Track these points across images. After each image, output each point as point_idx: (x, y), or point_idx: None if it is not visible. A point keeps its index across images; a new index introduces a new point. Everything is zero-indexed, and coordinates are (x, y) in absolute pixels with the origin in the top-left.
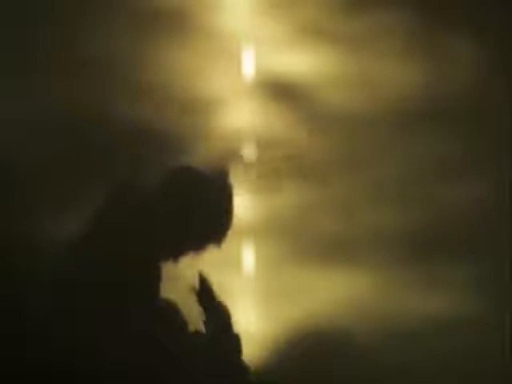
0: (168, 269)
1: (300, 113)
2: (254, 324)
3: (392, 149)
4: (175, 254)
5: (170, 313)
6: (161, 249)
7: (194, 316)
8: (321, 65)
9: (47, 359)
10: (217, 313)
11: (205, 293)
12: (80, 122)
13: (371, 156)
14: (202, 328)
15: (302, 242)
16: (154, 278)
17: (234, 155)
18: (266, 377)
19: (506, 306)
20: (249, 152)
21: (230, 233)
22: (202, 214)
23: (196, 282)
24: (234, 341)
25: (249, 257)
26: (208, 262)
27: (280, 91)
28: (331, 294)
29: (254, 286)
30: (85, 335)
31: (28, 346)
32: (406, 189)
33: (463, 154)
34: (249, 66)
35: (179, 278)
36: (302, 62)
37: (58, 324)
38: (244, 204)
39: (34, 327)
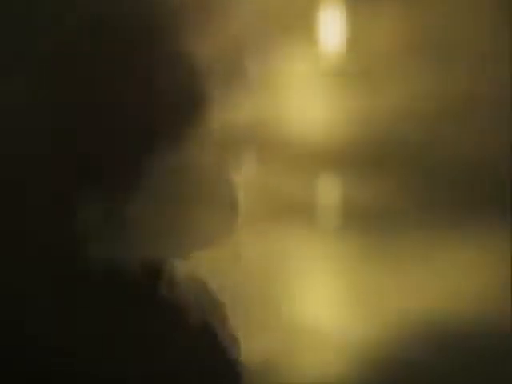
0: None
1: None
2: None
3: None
4: (185, 253)
5: (174, 313)
6: (171, 249)
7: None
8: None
9: (47, 359)
10: (211, 307)
11: (197, 286)
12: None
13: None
14: (202, 327)
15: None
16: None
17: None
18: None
19: None
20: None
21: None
22: (207, 208)
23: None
24: (231, 340)
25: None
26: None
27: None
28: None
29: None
30: (85, 335)
31: (28, 346)
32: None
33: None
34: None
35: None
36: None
37: (58, 323)
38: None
39: (34, 327)
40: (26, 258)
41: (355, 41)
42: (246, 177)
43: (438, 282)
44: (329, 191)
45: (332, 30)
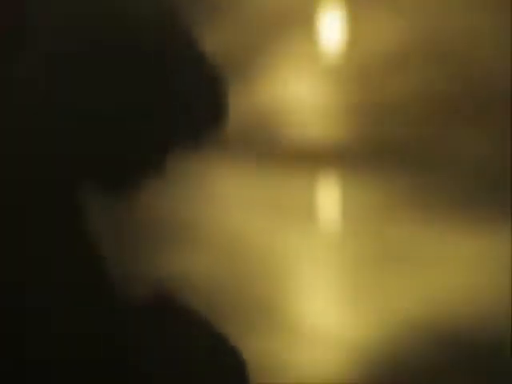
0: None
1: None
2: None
3: None
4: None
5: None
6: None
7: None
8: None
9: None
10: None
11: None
12: None
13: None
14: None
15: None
16: None
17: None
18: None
19: None
20: None
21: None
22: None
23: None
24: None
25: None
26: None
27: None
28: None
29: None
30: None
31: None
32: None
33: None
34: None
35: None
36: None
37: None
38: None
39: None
40: (26, 258)
41: (355, 39)
42: (245, 176)
43: (437, 282)
44: (329, 190)
45: (332, 28)
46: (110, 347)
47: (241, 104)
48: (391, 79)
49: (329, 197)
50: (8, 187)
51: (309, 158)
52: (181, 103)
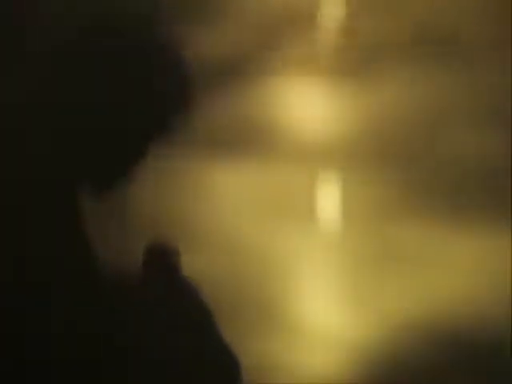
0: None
1: None
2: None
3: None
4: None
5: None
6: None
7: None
8: None
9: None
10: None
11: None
12: None
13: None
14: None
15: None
16: None
17: None
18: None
19: None
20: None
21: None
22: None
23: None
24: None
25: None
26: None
27: None
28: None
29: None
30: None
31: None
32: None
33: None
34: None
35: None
36: None
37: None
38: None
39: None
40: (26, 258)
41: (354, 39)
42: (245, 177)
43: (437, 283)
44: (329, 190)
45: (331, 28)
46: (109, 347)
47: (241, 104)
48: (391, 78)
49: (329, 197)
50: (8, 187)
51: (309, 158)
52: (158, 95)
